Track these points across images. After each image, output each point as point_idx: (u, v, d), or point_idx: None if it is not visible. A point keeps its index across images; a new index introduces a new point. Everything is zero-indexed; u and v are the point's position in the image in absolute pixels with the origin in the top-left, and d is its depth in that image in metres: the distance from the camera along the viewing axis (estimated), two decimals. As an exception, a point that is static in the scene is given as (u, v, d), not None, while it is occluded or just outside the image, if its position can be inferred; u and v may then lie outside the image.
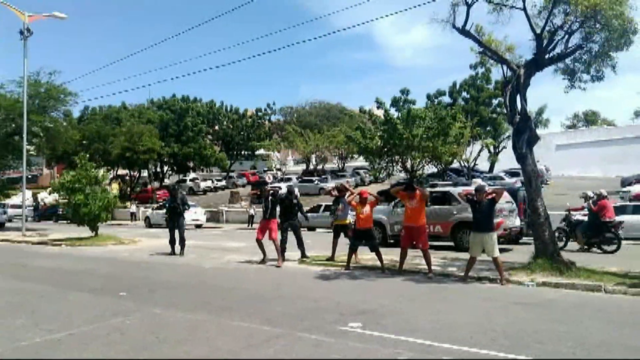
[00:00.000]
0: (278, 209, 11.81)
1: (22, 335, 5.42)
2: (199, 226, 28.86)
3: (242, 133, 57.52)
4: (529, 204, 9.37)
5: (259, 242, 11.53)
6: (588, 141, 45.88)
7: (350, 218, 11.46)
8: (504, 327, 5.48)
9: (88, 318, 6.21)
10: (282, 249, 11.33)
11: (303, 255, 11.67)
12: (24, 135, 23.65)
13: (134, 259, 13.04)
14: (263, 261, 11.45)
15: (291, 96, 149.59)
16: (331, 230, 12.08)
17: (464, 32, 9.92)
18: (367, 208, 10.12)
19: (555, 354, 4.50)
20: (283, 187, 27.95)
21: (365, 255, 10.91)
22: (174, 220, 13.72)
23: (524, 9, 9.44)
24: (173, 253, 13.50)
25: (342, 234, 11.84)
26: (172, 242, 13.63)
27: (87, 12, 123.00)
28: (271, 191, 12.21)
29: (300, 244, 11.79)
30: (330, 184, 34.75)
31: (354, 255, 10.46)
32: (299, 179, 42.34)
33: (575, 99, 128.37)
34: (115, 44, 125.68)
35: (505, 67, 10.08)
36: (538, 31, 9.47)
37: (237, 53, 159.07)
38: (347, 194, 11.22)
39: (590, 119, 68.47)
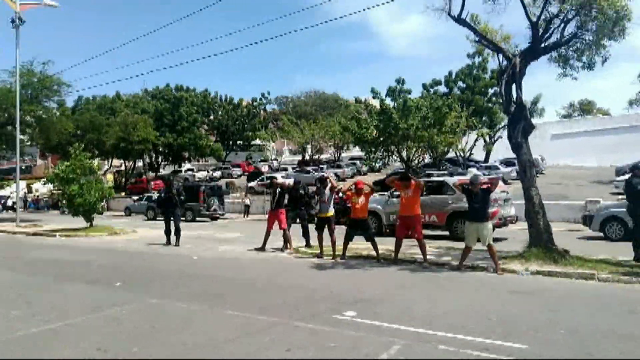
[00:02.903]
0: (286, 200, 12.20)
1: (18, 326, 5.43)
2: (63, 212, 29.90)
3: (237, 123, 57.28)
4: (524, 193, 9.41)
5: (267, 232, 11.99)
6: (583, 130, 46.02)
7: (332, 210, 11.15)
8: (499, 315, 5.54)
9: (84, 308, 6.22)
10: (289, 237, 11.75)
11: (307, 244, 11.77)
12: (17, 125, 23.49)
13: (130, 249, 13.04)
14: (262, 249, 11.79)
15: (286, 86, 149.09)
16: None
17: (459, 20, 9.88)
18: (362, 198, 10.14)
19: (549, 342, 4.55)
20: (279, 178, 27.97)
21: (361, 245, 10.95)
22: (169, 211, 13.72)
23: (520, -3, 9.40)
24: (169, 243, 13.51)
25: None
26: (167, 232, 13.64)
27: (79, 0, 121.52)
28: (279, 183, 12.69)
29: (305, 233, 12.04)
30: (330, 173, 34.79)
31: (340, 246, 10.43)
32: (295, 169, 42.29)
33: (571, 89, 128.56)
34: (109, 32, 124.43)
35: (501, 56, 10.07)
36: (534, 20, 9.44)
37: (231, 42, 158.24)
38: (329, 185, 10.94)
39: (586, 108, 68.63)
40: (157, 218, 26.08)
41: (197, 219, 25.35)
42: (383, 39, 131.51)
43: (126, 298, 6.77)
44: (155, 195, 28.38)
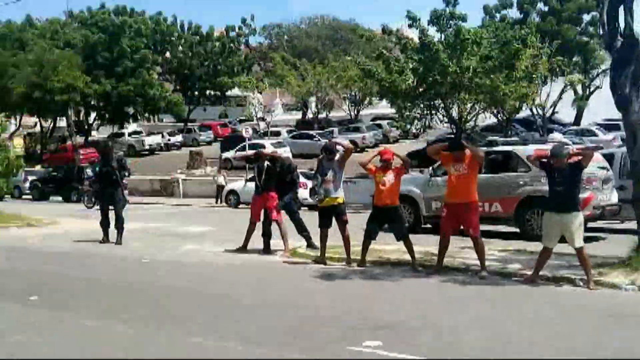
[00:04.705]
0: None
1: None
2: None
3: (206, 64, 57.14)
4: (631, 170, 9.39)
5: (252, 225, 12.10)
6: None
7: (342, 194, 11.01)
8: (590, 351, 5.57)
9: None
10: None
11: (309, 244, 11.81)
12: None
13: (50, 248, 13.18)
14: (243, 249, 11.99)
15: (279, 11, 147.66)
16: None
17: None
18: (390, 176, 10.10)
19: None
20: (268, 146, 28.00)
21: (388, 247, 11.01)
22: (107, 193, 13.77)
23: None
24: (107, 240, 13.63)
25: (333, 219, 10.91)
26: (104, 224, 13.71)
27: None
28: (269, 154, 12.92)
29: (302, 230, 12.06)
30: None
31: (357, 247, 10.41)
32: (292, 134, 42.21)
33: None
34: None
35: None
36: None
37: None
38: (338, 156, 10.86)
39: None
40: (51, 199, 28.16)
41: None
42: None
43: (44, 318, 6.89)
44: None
